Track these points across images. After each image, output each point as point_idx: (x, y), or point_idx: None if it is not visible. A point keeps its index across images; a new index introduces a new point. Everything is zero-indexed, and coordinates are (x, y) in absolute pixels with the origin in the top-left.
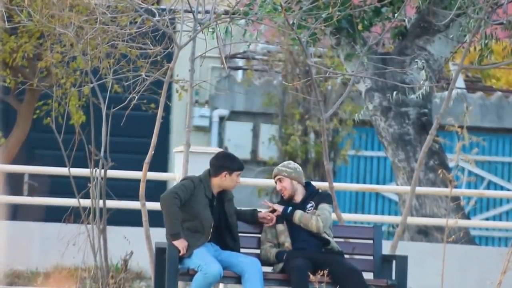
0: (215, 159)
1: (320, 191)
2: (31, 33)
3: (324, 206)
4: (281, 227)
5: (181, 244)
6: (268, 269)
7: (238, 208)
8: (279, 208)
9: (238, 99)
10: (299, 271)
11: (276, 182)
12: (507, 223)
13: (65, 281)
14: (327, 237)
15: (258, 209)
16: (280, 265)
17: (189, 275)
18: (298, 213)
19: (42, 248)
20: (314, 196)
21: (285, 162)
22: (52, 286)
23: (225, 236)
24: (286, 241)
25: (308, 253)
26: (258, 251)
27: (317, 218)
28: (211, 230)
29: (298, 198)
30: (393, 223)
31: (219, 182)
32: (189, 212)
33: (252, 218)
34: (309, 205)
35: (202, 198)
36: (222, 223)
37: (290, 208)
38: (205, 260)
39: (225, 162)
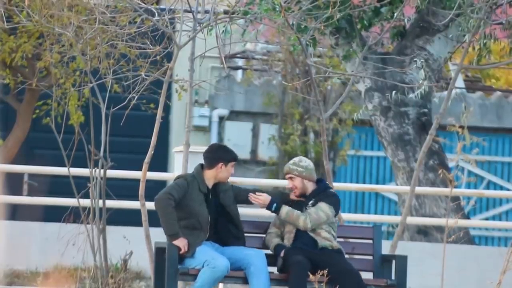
0: (210, 151)
1: (327, 190)
2: (30, 33)
3: (320, 205)
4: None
5: (181, 242)
6: (273, 269)
7: (243, 187)
8: (265, 201)
9: (238, 99)
10: (299, 267)
11: (287, 179)
12: (507, 223)
13: (64, 281)
14: (321, 240)
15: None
16: (280, 260)
17: (189, 275)
18: (284, 210)
19: (41, 248)
20: (319, 194)
21: (296, 159)
22: (51, 286)
23: (228, 227)
24: (292, 232)
25: (306, 252)
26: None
27: (306, 217)
28: (209, 226)
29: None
30: (393, 223)
31: (215, 174)
32: (184, 210)
33: (281, 199)
34: (311, 202)
35: (197, 194)
36: (222, 216)
37: (275, 205)
38: (211, 255)
39: (220, 153)
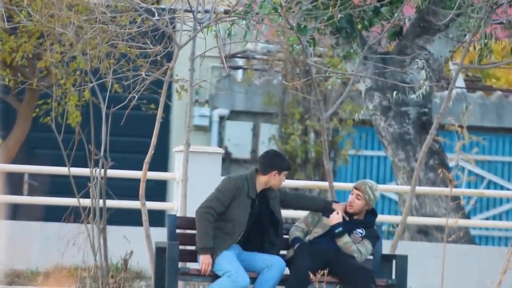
0: (266, 158)
1: (375, 227)
2: (30, 32)
3: (368, 246)
4: (326, 220)
5: (206, 260)
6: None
7: (310, 195)
8: (336, 220)
9: (238, 98)
10: (300, 273)
11: (352, 190)
12: (507, 223)
13: (65, 280)
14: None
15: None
16: (291, 252)
17: (189, 274)
18: (344, 239)
19: (42, 248)
20: (368, 227)
21: (374, 185)
22: (52, 285)
23: (268, 232)
24: (318, 233)
25: (320, 251)
26: None
27: (359, 256)
28: (241, 234)
29: (357, 217)
30: (393, 223)
31: (267, 180)
32: (226, 213)
33: (324, 208)
34: (359, 231)
35: (244, 199)
36: (265, 221)
37: (341, 229)
38: (236, 267)
39: (276, 161)
